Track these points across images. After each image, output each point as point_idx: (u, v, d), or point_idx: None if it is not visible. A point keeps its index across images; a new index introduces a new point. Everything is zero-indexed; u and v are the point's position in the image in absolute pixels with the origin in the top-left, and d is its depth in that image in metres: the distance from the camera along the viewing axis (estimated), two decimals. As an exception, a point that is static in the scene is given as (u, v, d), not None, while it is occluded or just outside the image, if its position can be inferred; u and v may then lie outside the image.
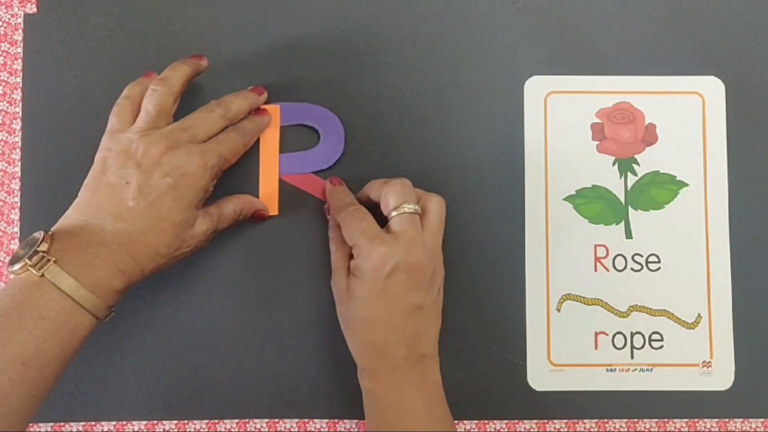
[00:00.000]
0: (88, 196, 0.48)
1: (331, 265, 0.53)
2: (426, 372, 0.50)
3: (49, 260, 0.44)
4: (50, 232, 0.46)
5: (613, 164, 0.57)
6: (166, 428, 0.55)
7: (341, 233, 0.52)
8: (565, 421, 0.56)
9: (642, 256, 0.57)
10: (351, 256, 0.51)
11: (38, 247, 0.44)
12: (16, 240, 0.56)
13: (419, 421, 0.49)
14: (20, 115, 0.57)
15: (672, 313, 0.56)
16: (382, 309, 0.49)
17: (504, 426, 0.56)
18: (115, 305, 0.47)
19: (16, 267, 0.44)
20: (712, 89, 0.58)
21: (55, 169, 0.56)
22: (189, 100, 0.54)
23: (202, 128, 0.50)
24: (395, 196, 0.50)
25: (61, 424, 0.55)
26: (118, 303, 0.47)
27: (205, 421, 0.55)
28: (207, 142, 0.50)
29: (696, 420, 0.56)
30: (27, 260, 0.44)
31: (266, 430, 0.56)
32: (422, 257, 0.49)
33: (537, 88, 0.58)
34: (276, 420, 0.56)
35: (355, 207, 0.51)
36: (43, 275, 0.44)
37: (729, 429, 0.56)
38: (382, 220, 0.51)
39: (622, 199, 0.57)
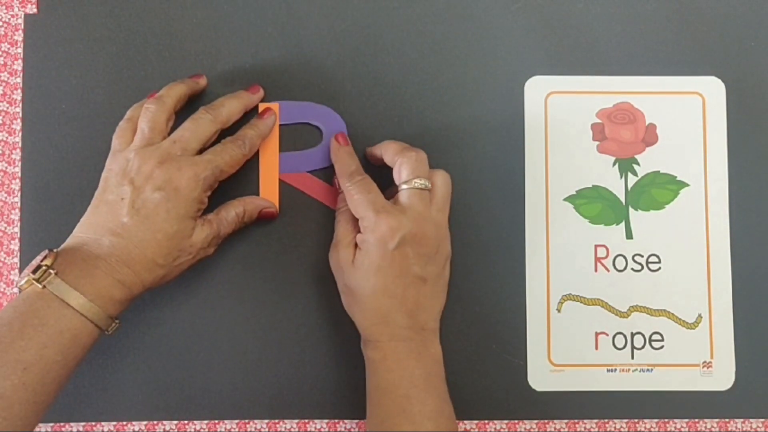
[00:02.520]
0: (90, 214, 0.49)
1: (334, 237, 0.53)
2: (426, 344, 0.51)
3: (50, 273, 0.45)
4: (55, 250, 0.47)
5: (614, 164, 0.57)
6: (166, 428, 0.55)
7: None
8: (565, 421, 0.56)
9: (642, 256, 0.57)
10: (357, 231, 0.52)
11: (42, 261, 0.46)
12: (16, 240, 0.56)
13: (416, 390, 0.49)
14: (20, 115, 0.57)
15: (672, 314, 0.56)
16: (387, 280, 0.49)
17: (504, 426, 0.56)
18: (118, 316, 0.48)
19: (22, 282, 0.46)
20: (712, 89, 0.58)
21: (55, 169, 0.56)
22: (189, 101, 0.54)
23: (193, 137, 0.50)
24: (409, 169, 0.51)
25: (61, 424, 0.55)
26: (122, 314, 0.48)
27: (205, 422, 0.55)
28: (202, 154, 0.50)
29: (696, 420, 0.56)
30: (31, 274, 0.45)
31: (266, 430, 0.56)
32: (428, 230, 0.50)
33: (537, 88, 0.58)
34: (276, 420, 0.56)
35: (362, 177, 0.52)
36: (44, 287, 0.45)
37: (729, 429, 0.56)
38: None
39: (623, 200, 0.57)
